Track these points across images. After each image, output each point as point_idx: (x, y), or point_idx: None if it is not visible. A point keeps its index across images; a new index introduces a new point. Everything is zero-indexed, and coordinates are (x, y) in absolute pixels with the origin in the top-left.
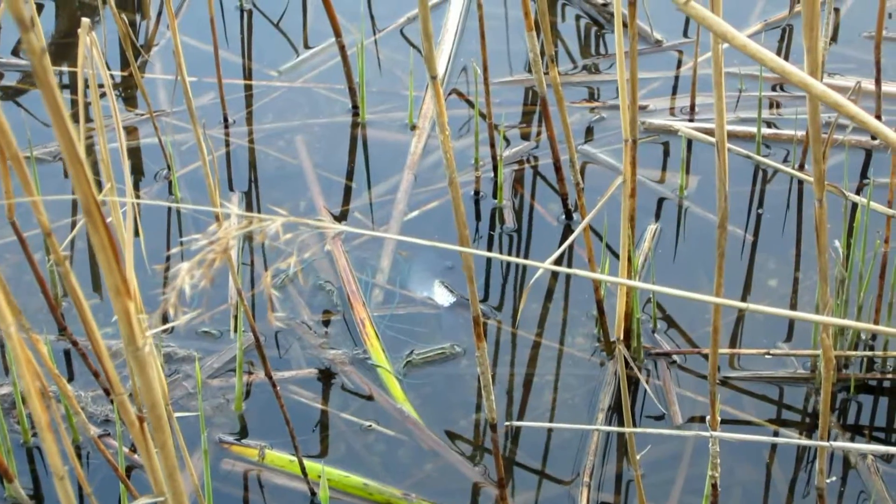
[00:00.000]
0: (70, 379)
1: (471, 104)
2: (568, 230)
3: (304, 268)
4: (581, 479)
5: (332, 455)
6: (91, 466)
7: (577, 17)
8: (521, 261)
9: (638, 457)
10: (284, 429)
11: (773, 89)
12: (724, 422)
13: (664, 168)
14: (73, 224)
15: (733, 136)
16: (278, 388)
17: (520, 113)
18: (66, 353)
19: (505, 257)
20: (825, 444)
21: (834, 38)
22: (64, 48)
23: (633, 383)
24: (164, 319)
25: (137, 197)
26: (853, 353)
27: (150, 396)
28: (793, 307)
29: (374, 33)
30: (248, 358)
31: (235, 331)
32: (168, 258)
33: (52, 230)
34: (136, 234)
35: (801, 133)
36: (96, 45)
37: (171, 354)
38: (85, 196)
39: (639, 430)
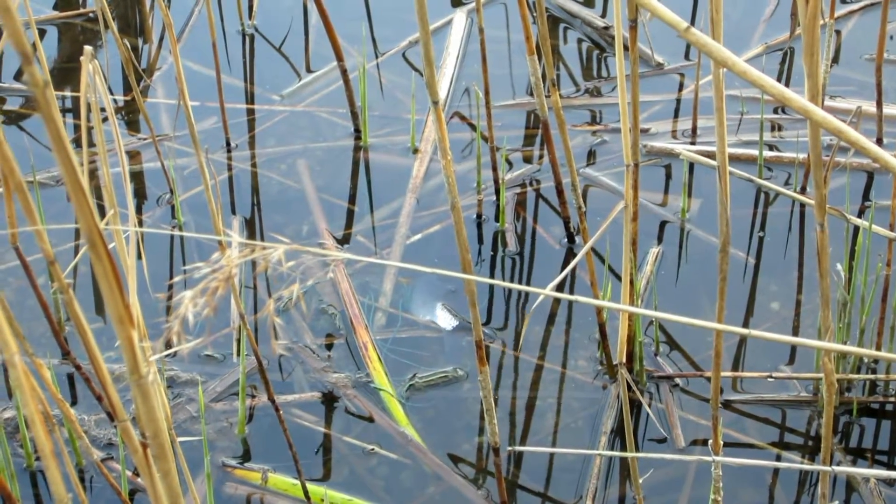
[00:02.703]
0: (73, 402)
1: (473, 127)
2: (570, 253)
3: (307, 292)
4: (584, 502)
5: (335, 478)
6: (94, 490)
7: (579, 41)
8: (523, 287)
9: (640, 480)
10: (287, 452)
11: (775, 112)
12: (726, 445)
13: (666, 191)
14: (76, 248)
15: (735, 159)
16: (281, 411)
17: (522, 136)
18: (70, 377)
19: (507, 284)
20: (827, 468)
21: (835, 61)
22: (67, 73)
23: (636, 406)
24: (168, 346)
25: (140, 221)
26: (855, 376)
27: (153, 425)
28: (795, 330)
29: (377, 57)
30: (251, 382)
31: (238, 354)
32: (171, 286)
33: (55, 256)
34: (139, 257)
35: (802, 156)
36: (99, 72)
37: (174, 378)
38: (89, 227)
39: (641, 454)
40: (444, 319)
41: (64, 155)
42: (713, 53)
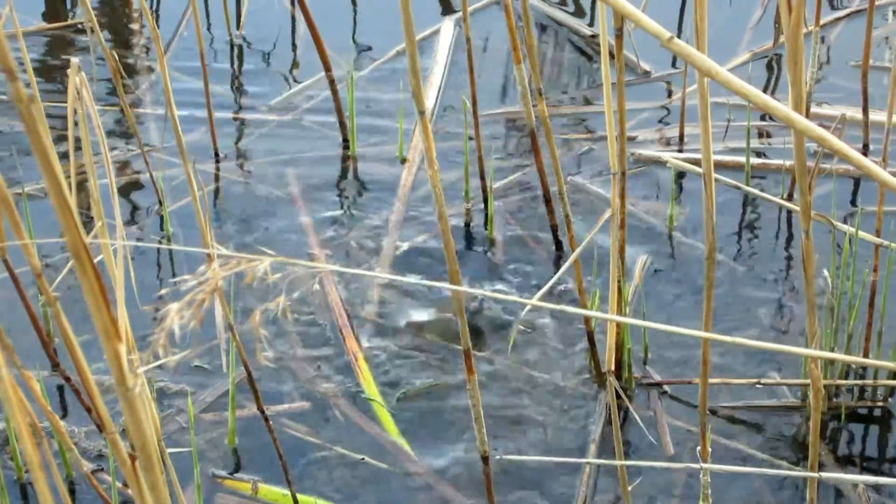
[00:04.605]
0: (64, 414)
1: (461, 135)
2: (558, 260)
3: (297, 302)
4: None
5: (326, 488)
6: (85, 501)
7: (566, 49)
8: (510, 298)
9: (630, 488)
10: (277, 463)
11: (762, 119)
12: (714, 451)
13: (654, 198)
14: (67, 259)
15: (722, 166)
16: (271, 422)
17: (510, 145)
18: (60, 388)
19: (495, 295)
20: (814, 474)
21: (822, 67)
22: (55, 83)
23: (625, 414)
24: (155, 358)
25: (128, 232)
26: (843, 381)
27: (140, 437)
28: (783, 336)
29: (364, 67)
30: (241, 392)
31: (228, 365)
32: (158, 298)
33: (44, 267)
34: (127, 270)
35: (789, 163)
36: (86, 85)
37: (163, 389)
38: (75, 243)
39: (630, 462)
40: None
41: (50, 171)
42: (697, 63)
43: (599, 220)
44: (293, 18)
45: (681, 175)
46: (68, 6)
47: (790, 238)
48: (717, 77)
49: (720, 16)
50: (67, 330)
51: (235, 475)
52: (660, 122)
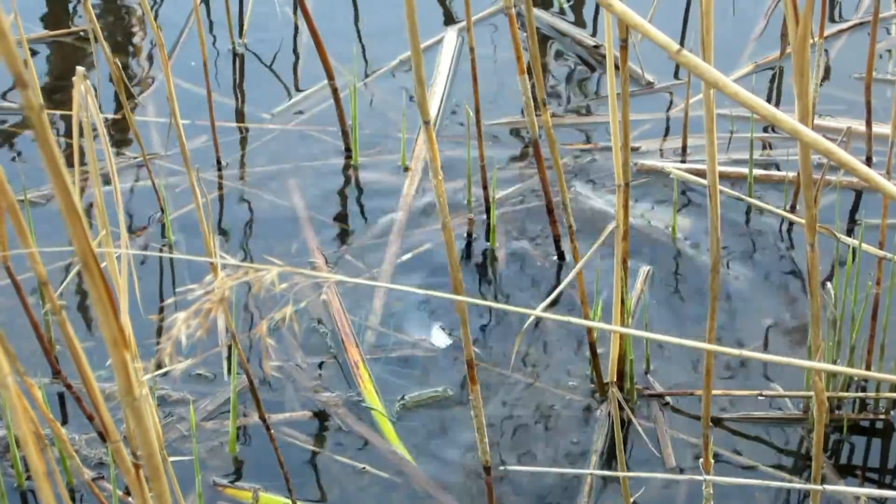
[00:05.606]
0: (64, 421)
1: (463, 145)
2: (561, 271)
3: (298, 311)
4: None
5: (327, 498)
6: None
7: (570, 60)
8: (513, 308)
9: (632, 500)
10: (278, 471)
11: (765, 130)
12: (717, 463)
13: (656, 209)
14: (68, 266)
15: (725, 178)
16: (272, 430)
17: (513, 154)
18: (60, 396)
19: (498, 305)
20: (818, 487)
21: (825, 79)
22: (57, 90)
23: (627, 425)
24: (159, 366)
25: (131, 240)
26: (845, 394)
27: (147, 446)
28: (786, 349)
29: (367, 75)
30: (242, 400)
31: (229, 373)
32: (162, 309)
33: (47, 273)
34: (130, 275)
35: (792, 174)
36: (91, 93)
37: (165, 397)
38: (84, 253)
39: (632, 474)
40: (438, 338)
41: (59, 180)
42: (705, 75)
43: (603, 231)
44: (296, 27)
45: (684, 184)
46: (71, 13)
47: (793, 249)
48: (725, 89)
49: (723, 26)
50: (73, 339)
51: (236, 483)
52: (664, 132)
